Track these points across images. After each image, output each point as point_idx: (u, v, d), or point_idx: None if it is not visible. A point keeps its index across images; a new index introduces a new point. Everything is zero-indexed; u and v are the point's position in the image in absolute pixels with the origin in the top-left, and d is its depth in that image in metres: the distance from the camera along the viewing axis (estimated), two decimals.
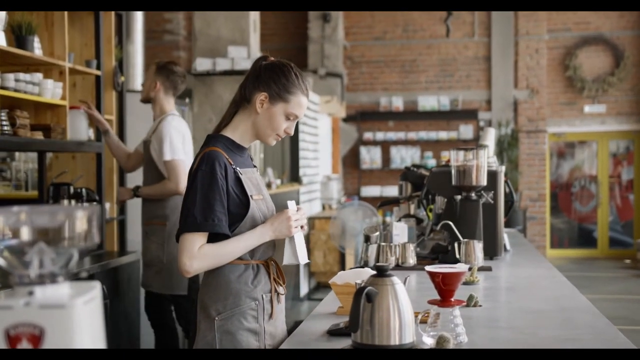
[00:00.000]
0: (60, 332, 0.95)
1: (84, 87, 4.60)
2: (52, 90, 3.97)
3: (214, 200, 2.16)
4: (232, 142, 2.29)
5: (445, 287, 1.94)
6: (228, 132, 2.31)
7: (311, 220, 8.54)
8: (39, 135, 3.88)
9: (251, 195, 2.23)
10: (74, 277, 1.03)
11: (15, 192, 5.56)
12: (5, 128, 3.54)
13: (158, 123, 4.25)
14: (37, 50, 3.91)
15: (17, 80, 3.71)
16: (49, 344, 0.94)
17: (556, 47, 11.50)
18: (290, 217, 2.25)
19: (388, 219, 9.41)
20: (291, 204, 2.32)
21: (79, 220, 1.00)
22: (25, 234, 0.99)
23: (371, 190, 11.43)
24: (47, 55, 4.09)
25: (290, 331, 2.42)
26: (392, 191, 11.19)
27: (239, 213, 2.21)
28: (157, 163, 4.19)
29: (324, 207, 9.63)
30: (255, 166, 2.41)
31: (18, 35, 3.76)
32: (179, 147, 4.17)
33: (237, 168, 2.23)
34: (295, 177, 8.25)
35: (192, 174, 2.21)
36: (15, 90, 3.70)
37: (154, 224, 4.23)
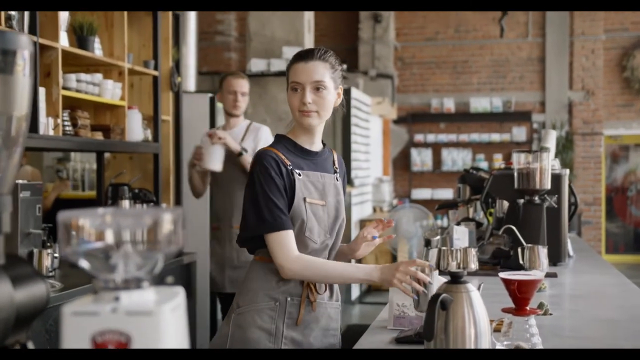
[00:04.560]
0: (146, 340, 0.91)
1: (142, 87, 4.62)
2: (111, 91, 3.99)
3: (276, 198, 2.15)
4: (293, 144, 2.27)
5: (520, 295, 1.87)
6: (290, 135, 2.30)
7: (363, 222, 8.48)
8: (98, 136, 3.90)
9: (304, 198, 2.19)
10: (158, 282, 1.00)
11: (73, 192, 5.63)
12: (67, 128, 3.57)
13: (256, 132, 4.25)
14: (98, 50, 3.94)
15: (78, 81, 3.74)
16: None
17: (613, 47, 11.23)
18: (398, 268, 2.12)
19: (439, 222, 9.30)
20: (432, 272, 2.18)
21: (165, 223, 0.96)
22: (110, 237, 0.96)
23: (422, 193, 11.31)
24: (106, 55, 4.12)
25: (343, 335, 2.37)
26: (443, 194, 11.06)
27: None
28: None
29: (375, 210, 9.56)
30: (335, 172, 2.34)
31: (79, 36, 3.79)
32: None
33: (295, 170, 2.21)
34: (347, 179, 8.21)
35: (249, 176, 2.22)
36: (77, 91, 3.73)
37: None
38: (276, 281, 2.19)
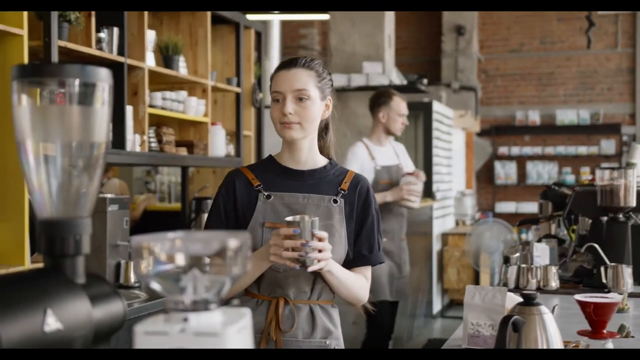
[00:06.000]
0: None
1: (225, 104, 4.74)
2: (195, 108, 4.12)
3: (211, 220, 2.10)
4: (275, 163, 2.12)
5: (597, 318, 1.84)
6: (276, 155, 2.16)
7: (445, 236, 8.41)
8: (183, 151, 4.03)
9: (263, 223, 2.03)
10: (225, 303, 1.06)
11: (160, 204, 5.81)
12: (153, 145, 3.70)
13: (400, 147, 4.70)
14: (182, 69, 4.07)
15: (164, 99, 3.87)
16: None
17: None
18: (269, 245, 1.91)
19: (524, 236, 9.12)
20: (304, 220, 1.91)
21: (232, 248, 1.01)
22: (180, 260, 1.01)
23: (506, 207, 11.12)
24: (191, 73, 4.24)
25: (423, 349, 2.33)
26: (527, 207, 10.84)
27: None
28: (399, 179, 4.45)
29: (457, 223, 9.46)
30: (338, 194, 2.08)
31: (165, 56, 3.93)
32: None
33: (264, 191, 2.06)
34: (428, 193, 8.15)
35: None
36: (162, 108, 3.86)
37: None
38: None
